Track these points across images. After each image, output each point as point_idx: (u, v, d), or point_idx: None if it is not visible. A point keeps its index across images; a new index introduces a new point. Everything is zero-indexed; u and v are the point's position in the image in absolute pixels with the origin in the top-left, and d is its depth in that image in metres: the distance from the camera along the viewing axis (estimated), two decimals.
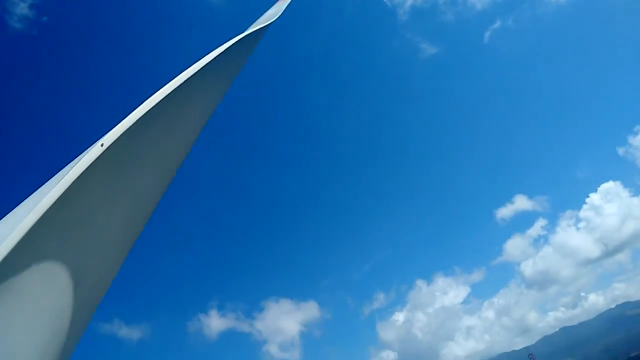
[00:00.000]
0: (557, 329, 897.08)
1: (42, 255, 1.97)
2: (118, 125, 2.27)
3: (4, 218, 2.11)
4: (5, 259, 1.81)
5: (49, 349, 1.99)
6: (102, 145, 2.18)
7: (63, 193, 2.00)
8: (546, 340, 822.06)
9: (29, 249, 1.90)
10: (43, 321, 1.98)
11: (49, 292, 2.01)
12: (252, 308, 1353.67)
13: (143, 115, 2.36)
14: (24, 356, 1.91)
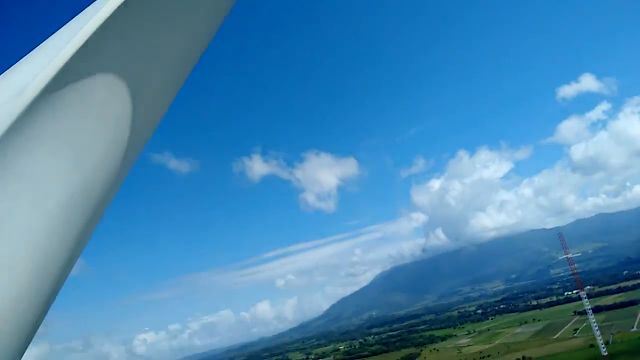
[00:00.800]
0: (593, 215, 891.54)
1: (105, 63, 1.98)
2: None
3: (67, 24, 2.10)
4: (68, 62, 1.81)
5: (111, 154, 2.05)
6: None
7: (123, 2, 1.98)
8: (579, 223, 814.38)
9: (92, 56, 1.91)
10: (107, 126, 2.02)
11: (112, 100, 2.03)
12: (294, 158, 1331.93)
13: None
14: (99, 152, 1.98)
